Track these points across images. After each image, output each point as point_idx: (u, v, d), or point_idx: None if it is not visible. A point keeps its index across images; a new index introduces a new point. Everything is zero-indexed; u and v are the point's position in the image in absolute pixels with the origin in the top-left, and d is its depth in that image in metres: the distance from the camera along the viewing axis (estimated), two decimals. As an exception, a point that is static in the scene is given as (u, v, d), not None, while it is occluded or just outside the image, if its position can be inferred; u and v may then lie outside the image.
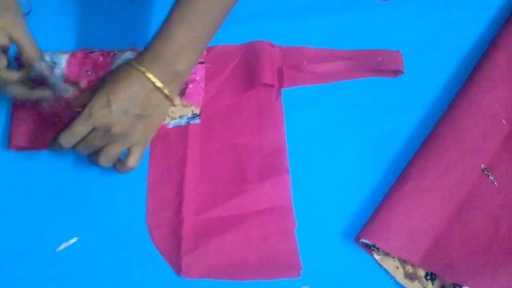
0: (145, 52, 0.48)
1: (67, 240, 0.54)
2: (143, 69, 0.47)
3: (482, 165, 0.54)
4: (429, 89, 0.60)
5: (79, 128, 0.47)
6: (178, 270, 0.52)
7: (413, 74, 0.61)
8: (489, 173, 0.54)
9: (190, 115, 0.57)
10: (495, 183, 0.54)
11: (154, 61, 0.48)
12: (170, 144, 0.57)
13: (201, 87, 0.57)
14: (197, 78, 0.58)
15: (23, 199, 0.55)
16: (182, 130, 0.57)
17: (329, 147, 0.57)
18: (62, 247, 0.53)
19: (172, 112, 0.57)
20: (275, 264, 0.52)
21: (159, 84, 0.48)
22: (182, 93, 0.58)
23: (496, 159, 0.55)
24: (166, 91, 0.49)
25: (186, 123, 0.57)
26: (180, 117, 0.57)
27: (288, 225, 0.54)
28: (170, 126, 0.57)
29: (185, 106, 0.57)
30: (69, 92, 0.54)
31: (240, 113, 0.58)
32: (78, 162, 0.57)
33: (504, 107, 0.56)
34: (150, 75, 0.47)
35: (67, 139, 0.47)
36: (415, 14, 0.64)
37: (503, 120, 0.56)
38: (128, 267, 0.53)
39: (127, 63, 0.48)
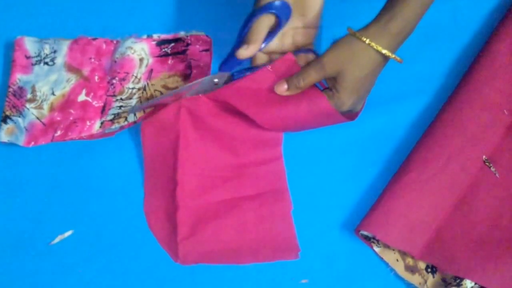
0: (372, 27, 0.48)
1: (62, 232, 0.53)
2: (373, 43, 0.47)
3: (484, 156, 0.54)
4: (430, 80, 0.60)
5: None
6: (175, 257, 0.52)
7: (413, 64, 0.60)
8: (491, 165, 0.53)
9: None
10: (497, 174, 0.53)
11: (380, 34, 0.47)
12: (163, 124, 0.55)
13: (204, 72, 0.57)
14: (201, 64, 0.58)
15: (18, 191, 0.55)
16: (175, 109, 0.55)
17: (329, 138, 0.57)
18: (57, 240, 0.53)
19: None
20: (272, 246, 0.52)
21: (389, 54, 0.48)
22: (187, 78, 0.57)
23: (497, 150, 0.54)
24: (395, 57, 0.48)
25: None
26: None
27: (284, 208, 0.53)
28: None
29: None
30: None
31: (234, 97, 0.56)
32: (74, 154, 0.56)
33: (506, 97, 0.55)
34: (380, 48, 0.47)
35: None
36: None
37: (504, 111, 0.55)
38: (125, 259, 0.52)
39: (353, 36, 0.48)
